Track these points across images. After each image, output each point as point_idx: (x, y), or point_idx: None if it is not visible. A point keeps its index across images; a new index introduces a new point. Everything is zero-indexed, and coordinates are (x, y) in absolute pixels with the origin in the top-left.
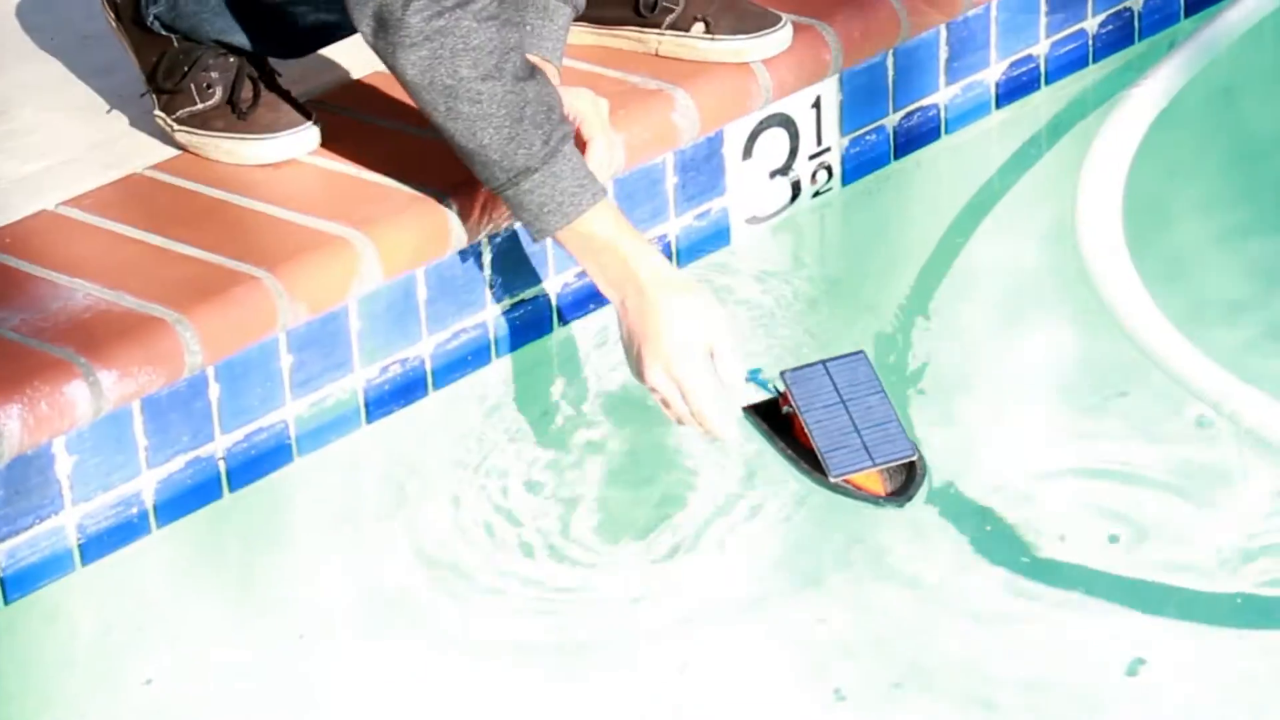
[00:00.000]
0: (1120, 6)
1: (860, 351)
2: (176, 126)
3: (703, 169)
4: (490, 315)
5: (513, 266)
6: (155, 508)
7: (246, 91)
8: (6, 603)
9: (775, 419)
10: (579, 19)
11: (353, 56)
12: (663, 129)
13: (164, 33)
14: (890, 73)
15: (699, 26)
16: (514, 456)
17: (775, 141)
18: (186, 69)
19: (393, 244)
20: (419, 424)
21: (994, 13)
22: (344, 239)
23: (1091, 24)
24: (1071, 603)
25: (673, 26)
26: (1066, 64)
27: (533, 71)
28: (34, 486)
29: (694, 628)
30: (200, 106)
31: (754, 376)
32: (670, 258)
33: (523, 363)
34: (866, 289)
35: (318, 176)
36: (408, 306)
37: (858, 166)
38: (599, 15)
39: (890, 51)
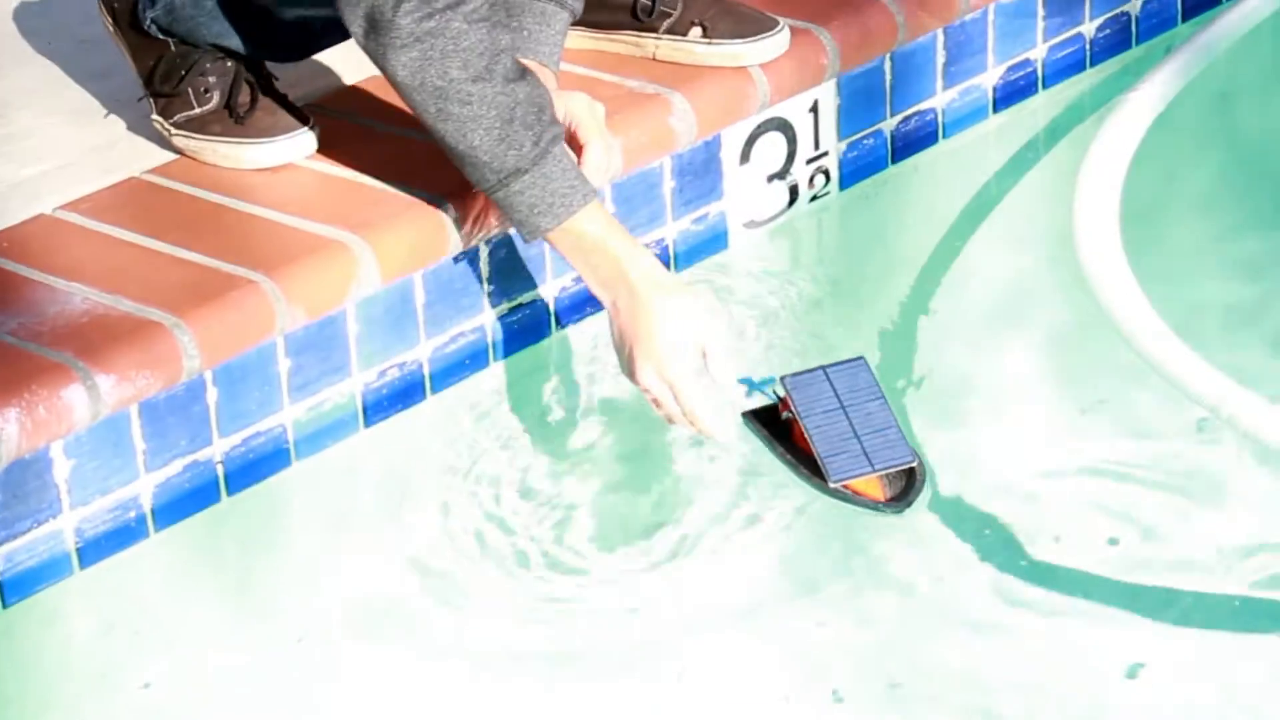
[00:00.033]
0: (1117, 10)
1: (860, 357)
2: (174, 131)
3: (700, 173)
4: (488, 319)
5: (510, 271)
6: (153, 511)
7: (244, 96)
8: (5, 606)
9: (775, 424)
10: (576, 23)
11: (350, 61)
12: (660, 133)
13: (161, 37)
14: (888, 77)
15: (696, 31)
16: (511, 461)
17: (773, 146)
18: (184, 73)
19: (390, 248)
20: (417, 428)
21: (991, 17)
22: (342, 243)
23: (1089, 28)
24: (1071, 607)
25: (670, 31)
26: (1064, 68)
27: (523, 73)
28: (32, 490)
29: (692, 634)
30: (198, 111)
31: (754, 383)
32: (668, 262)
33: (520, 367)
34: (864, 293)
35: (315, 181)
36: (405, 310)
37: (855, 171)
38: (596, 20)
39: (887, 56)
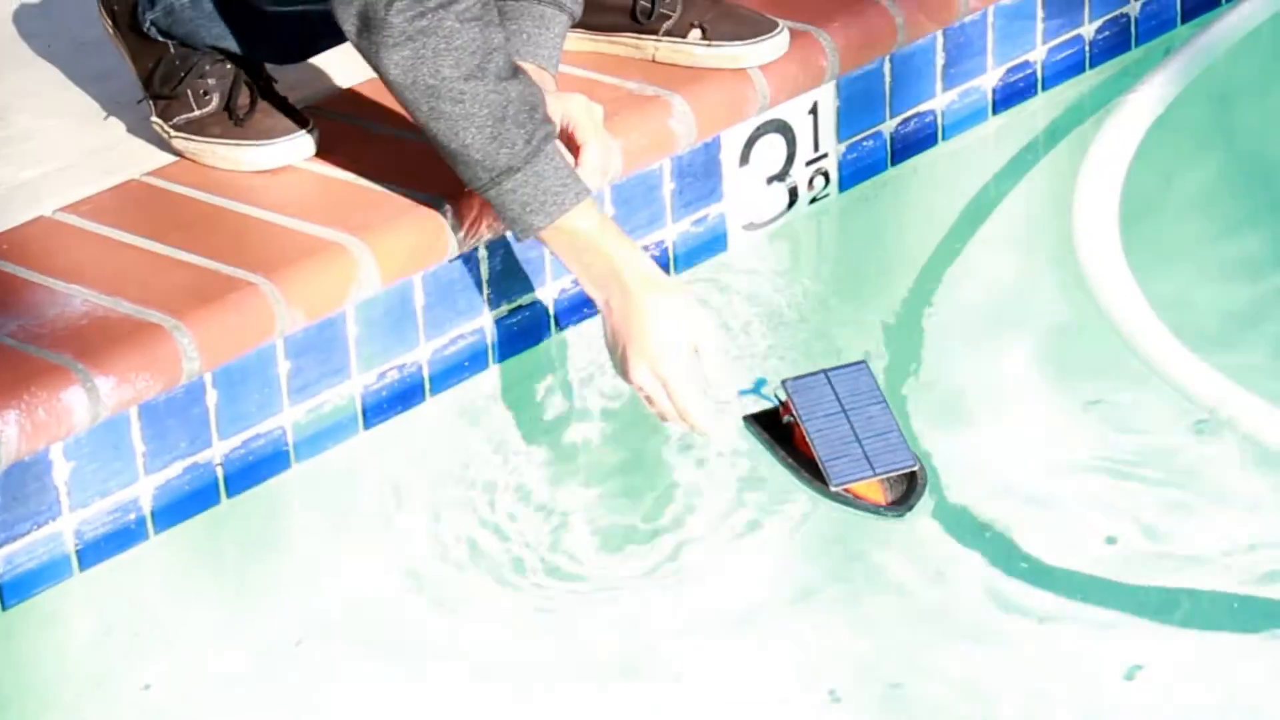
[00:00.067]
0: (1117, 12)
1: (862, 361)
2: (173, 133)
3: (700, 175)
4: (487, 321)
5: (510, 273)
6: (153, 514)
7: (243, 98)
8: (4, 608)
9: (776, 428)
10: (576, 25)
11: (349, 63)
12: (660, 135)
13: (160, 39)
14: (887, 79)
15: (695, 33)
16: (510, 463)
17: (772, 147)
18: (183, 75)
19: (390, 250)
20: (416, 430)
21: (991, 19)
22: (341, 245)
23: (1088, 30)
24: (1071, 608)
25: (669, 33)
26: (1063, 70)
27: (515, 71)
28: (31, 493)
29: (690, 636)
30: (197, 113)
31: (755, 387)
32: (668, 264)
33: (520, 369)
34: (864, 294)
35: (315, 183)
36: (405, 313)
37: (855, 172)
38: (596, 22)
39: (887, 57)
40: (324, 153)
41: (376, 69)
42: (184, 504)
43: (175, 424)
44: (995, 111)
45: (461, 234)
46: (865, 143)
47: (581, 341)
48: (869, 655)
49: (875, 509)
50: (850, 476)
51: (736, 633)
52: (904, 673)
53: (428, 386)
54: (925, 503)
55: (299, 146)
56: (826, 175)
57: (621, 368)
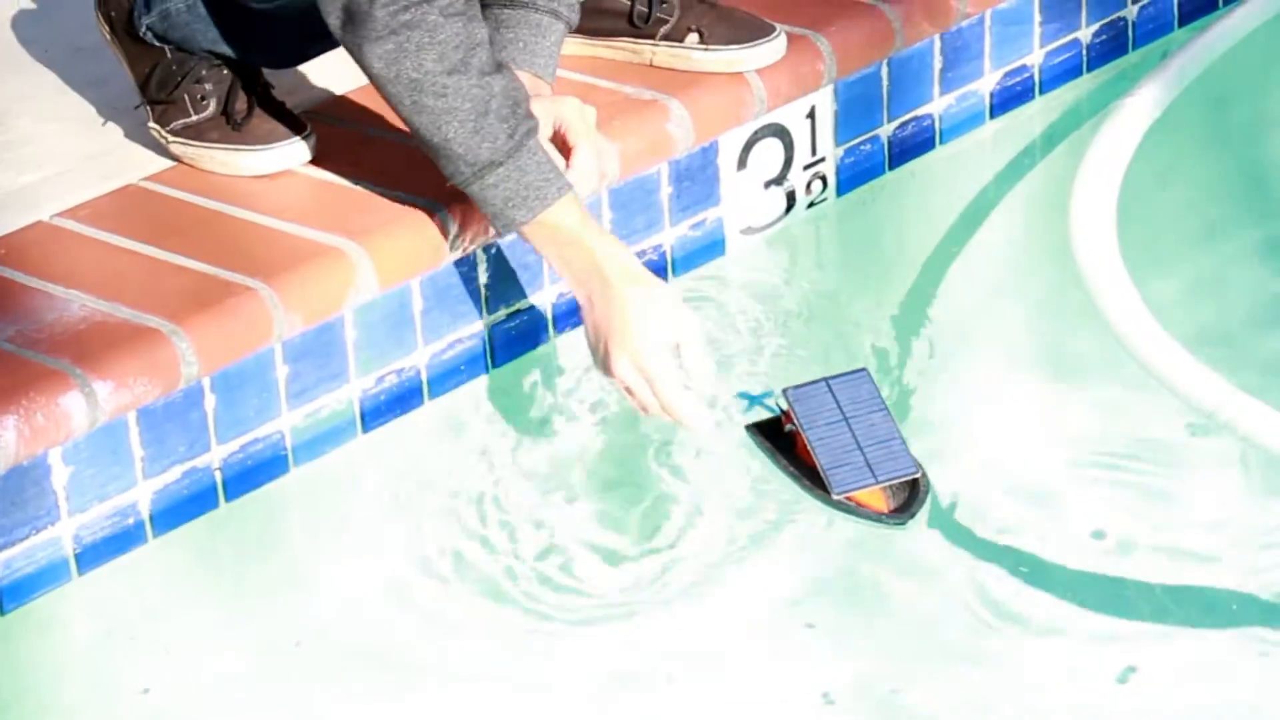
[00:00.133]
0: (1114, 16)
1: (863, 369)
2: (171, 138)
3: (697, 179)
4: (485, 325)
5: (508, 277)
6: (151, 518)
7: (241, 103)
8: (3, 613)
9: (778, 437)
10: (573, 30)
11: (347, 68)
12: (657, 139)
13: (157, 44)
14: (885, 83)
15: (693, 37)
16: (509, 466)
17: (770, 152)
18: (179, 80)
19: (388, 255)
20: (415, 434)
21: (988, 23)
22: (339, 250)
23: (1085, 34)
24: (1072, 611)
25: (667, 37)
26: (1061, 73)
27: (499, 66)
28: (30, 497)
29: (687, 637)
30: (195, 118)
31: (756, 396)
32: (665, 268)
33: (518, 372)
34: (861, 299)
35: (313, 187)
36: (403, 317)
37: (852, 177)
38: (593, 27)
39: (884, 61)
40: (321, 158)
41: (360, 62)
42: (182, 508)
43: (174, 428)
44: (993, 115)
45: (459, 238)
46: (863, 147)
47: (579, 346)
48: (866, 661)
49: (878, 517)
50: (852, 485)
51: (734, 640)
52: (901, 675)
53: (426, 390)
54: (924, 509)
55: (296, 151)
56: (824, 179)
57: (603, 362)
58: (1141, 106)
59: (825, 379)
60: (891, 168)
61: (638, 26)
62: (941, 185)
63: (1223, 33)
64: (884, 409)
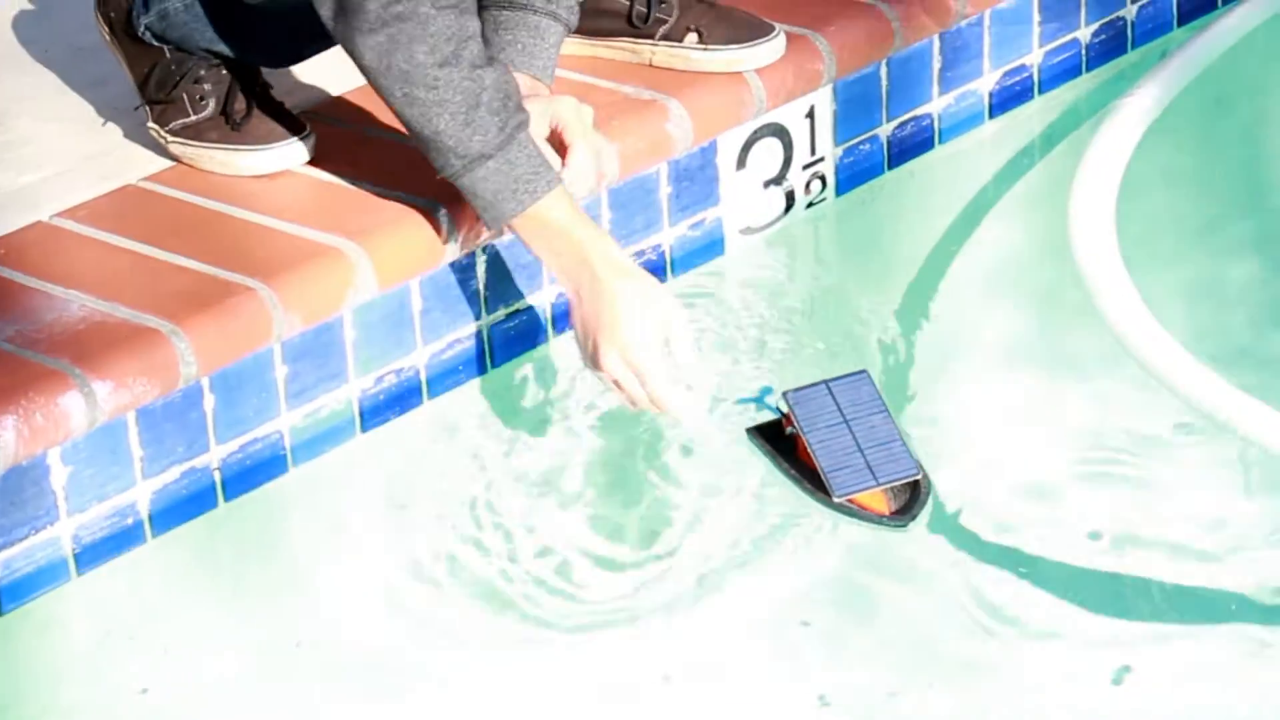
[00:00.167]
0: (1113, 16)
1: (863, 370)
2: (170, 138)
3: (697, 179)
4: (484, 325)
5: (507, 277)
6: (150, 517)
7: (240, 103)
8: (2, 613)
9: (779, 440)
10: (572, 32)
11: (346, 68)
12: (657, 139)
13: (155, 44)
14: (884, 82)
15: (692, 37)
16: (508, 466)
17: (769, 151)
18: (178, 80)
19: (387, 255)
20: (413, 434)
21: (987, 22)
22: (338, 250)
23: (1084, 33)
24: (1071, 612)
25: (666, 37)
26: (1060, 73)
27: (490, 60)
28: (29, 497)
29: (685, 638)
30: (194, 118)
31: (757, 399)
32: (664, 268)
33: (517, 373)
34: (860, 299)
35: (312, 188)
36: (402, 317)
37: (851, 176)
38: (593, 27)
39: (884, 61)
40: (321, 158)
41: (351, 54)
42: (181, 508)
43: (173, 428)
44: (992, 115)
45: (458, 239)
46: (862, 146)
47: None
48: (863, 664)
49: (879, 519)
50: (853, 487)
51: (731, 643)
52: (899, 678)
53: (425, 390)
54: (925, 511)
55: (295, 152)
56: (823, 179)
57: (591, 356)
58: (1141, 106)
59: (825, 381)
60: (891, 167)
61: (637, 26)
62: (941, 185)
63: (1222, 32)
64: (884, 411)
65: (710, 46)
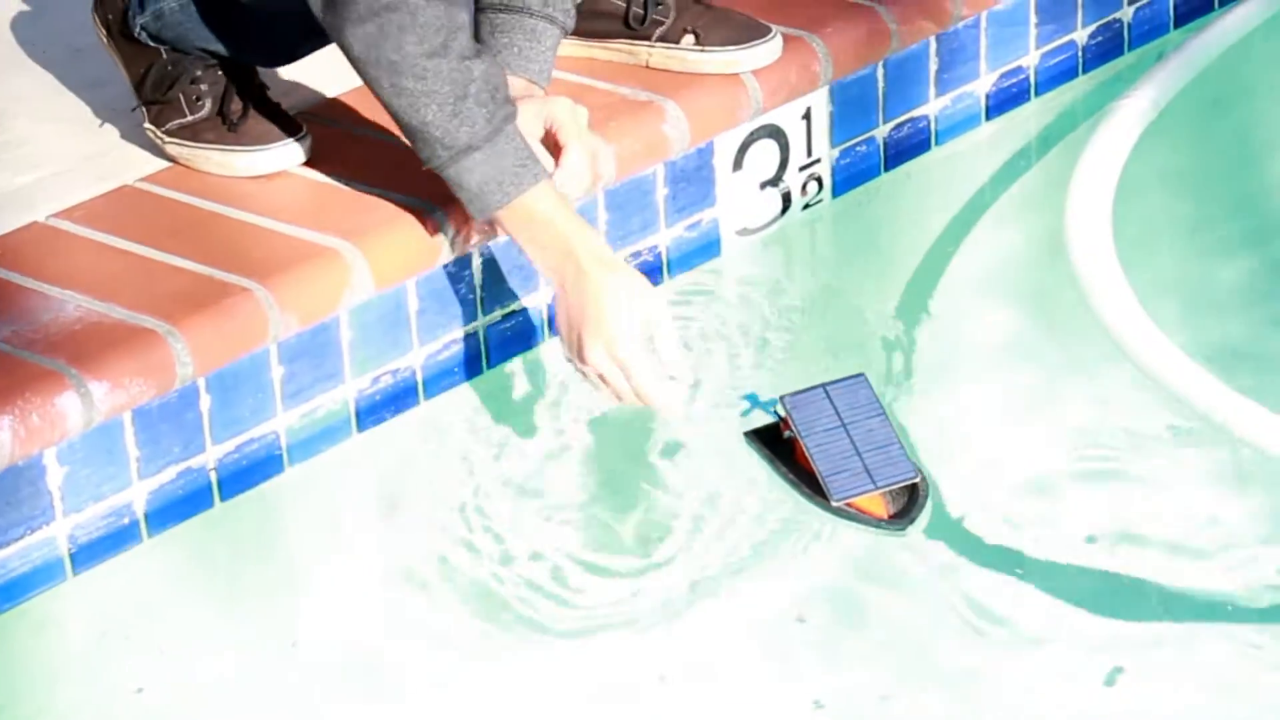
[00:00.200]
0: (1110, 18)
1: (861, 374)
2: (167, 139)
3: (693, 180)
4: (481, 326)
5: (503, 278)
6: (146, 517)
7: (236, 104)
8: None
9: (777, 444)
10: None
11: (342, 68)
12: (653, 140)
13: (151, 44)
14: (880, 84)
15: (689, 38)
16: (504, 467)
17: (765, 153)
18: (174, 80)
19: (384, 255)
20: (410, 434)
21: (984, 24)
22: (335, 250)
23: (1081, 35)
24: (1070, 613)
25: (662, 39)
26: (1056, 75)
27: (479, 51)
28: (25, 497)
29: (682, 638)
30: (190, 119)
31: (756, 401)
32: (661, 269)
33: (513, 373)
34: (857, 300)
35: (308, 188)
36: (399, 317)
37: (848, 178)
38: (589, 28)
39: (880, 63)
40: (317, 158)
41: (340, 44)
42: (177, 508)
43: (169, 429)
44: (988, 117)
45: (455, 239)
46: (858, 148)
47: None
48: (858, 667)
49: (877, 523)
50: (851, 491)
51: (726, 645)
52: (895, 680)
53: (421, 391)
54: (926, 513)
55: (292, 152)
56: (820, 181)
57: (575, 350)
58: (1137, 108)
59: (823, 385)
60: (887, 169)
61: (633, 28)
62: (937, 187)
63: (1218, 34)
64: (882, 414)
65: (707, 48)
